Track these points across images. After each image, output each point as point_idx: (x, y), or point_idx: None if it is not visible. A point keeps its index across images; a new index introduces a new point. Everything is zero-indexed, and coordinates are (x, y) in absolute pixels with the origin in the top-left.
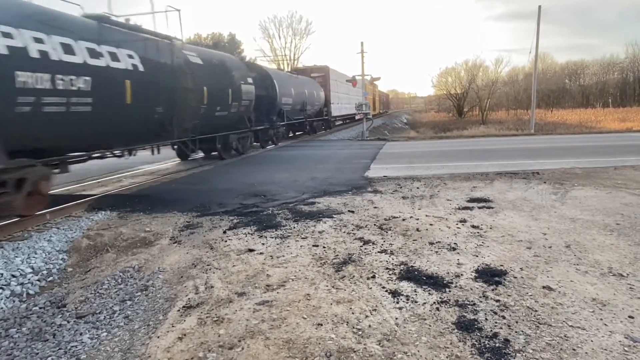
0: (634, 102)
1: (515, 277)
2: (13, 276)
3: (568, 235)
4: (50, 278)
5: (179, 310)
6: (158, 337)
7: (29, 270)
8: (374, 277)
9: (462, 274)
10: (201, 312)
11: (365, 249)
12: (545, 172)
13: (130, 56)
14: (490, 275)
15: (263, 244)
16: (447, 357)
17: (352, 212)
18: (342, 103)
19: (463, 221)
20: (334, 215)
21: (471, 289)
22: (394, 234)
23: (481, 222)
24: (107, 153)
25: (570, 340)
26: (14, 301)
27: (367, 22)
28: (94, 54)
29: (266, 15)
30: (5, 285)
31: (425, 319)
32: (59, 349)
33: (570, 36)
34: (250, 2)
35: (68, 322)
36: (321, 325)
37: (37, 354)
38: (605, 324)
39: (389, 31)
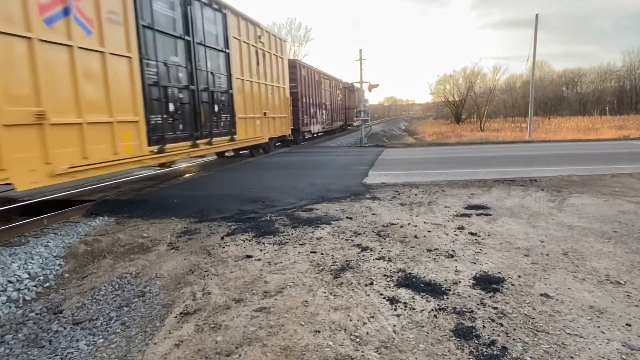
0: (631, 110)
1: (513, 285)
2: (9, 282)
3: (565, 242)
4: (47, 284)
5: (176, 317)
6: (155, 343)
7: (26, 275)
8: (372, 283)
9: (460, 281)
10: (198, 319)
11: (363, 255)
12: (543, 179)
13: None
14: (488, 283)
15: (261, 250)
16: None
17: (350, 218)
18: None
19: (461, 228)
20: (332, 222)
21: (469, 296)
22: (392, 241)
23: (479, 229)
24: None
25: (567, 348)
26: (10, 307)
27: (366, 30)
28: None
29: (265, 22)
30: (1, 291)
31: (423, 326)
32: (55, 355)
33: (567, 44)
34: (250, 9)
35: (64, 328)
36: (319, 332)
37: None
38: (602, 332)
39: (388, 39)
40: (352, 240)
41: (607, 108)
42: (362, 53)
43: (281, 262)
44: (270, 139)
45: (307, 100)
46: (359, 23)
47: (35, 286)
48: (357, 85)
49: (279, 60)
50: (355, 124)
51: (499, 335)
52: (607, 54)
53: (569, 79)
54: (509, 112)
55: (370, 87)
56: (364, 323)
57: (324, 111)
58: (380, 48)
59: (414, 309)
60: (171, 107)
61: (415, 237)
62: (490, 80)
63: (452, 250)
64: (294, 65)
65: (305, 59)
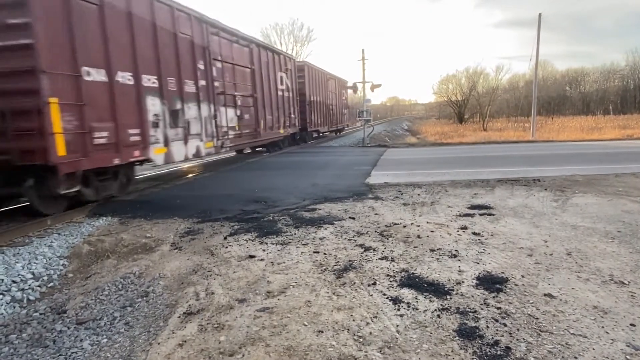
0: (634, 110)
1: (516, 285)
2: (14, 282)
3: (569, 242)
4: (51, 284)
5: (179, 317)
6: (158, 343)
7: (30, 276)
8: (374, 284)
9: (463, 281)
10: (202, 319)
11: (366, 255)
12: (546, 179)
13: None
14: (491, 283)
15: (264, 250)
16: None
17: (353, 218)
18: None
19: (464, 228)
20: (335, 222)
21: (472, 296)
22: (394, 241)
23: (482, 229)
24: None
25: (571, 348)
26: (14, 307)
27: (369, 30)
28: None
29: (268, 23)
30: (5, 291)
31: (426, 326)
32: (59, 355)
33: (569, 44)
34: (252, 10)
35: (68, 328)
36: (322, 332)
37: None
38: (606, 332)
39: (391, 39)
40: (355, 240)
41: (610, 107)
42: (364, 53)
43: (284, 262)
44: None
45: (135, 82)
46: (361, 23)
47: (39, 286)
48: (360, 84)
49: None
50: (323, 130)
51: (502, 336)
52: (610, 54)
53: (572, 78)
54: (512, 111)
55: (373, 87)
56: (367, 323)
57: (234, 110)
58: (383, 48)
59: (417, 309)
60: None
61: (418, 237)
62: (493, 80)
63: (456, 250)
64: None
65: (308, 59)
